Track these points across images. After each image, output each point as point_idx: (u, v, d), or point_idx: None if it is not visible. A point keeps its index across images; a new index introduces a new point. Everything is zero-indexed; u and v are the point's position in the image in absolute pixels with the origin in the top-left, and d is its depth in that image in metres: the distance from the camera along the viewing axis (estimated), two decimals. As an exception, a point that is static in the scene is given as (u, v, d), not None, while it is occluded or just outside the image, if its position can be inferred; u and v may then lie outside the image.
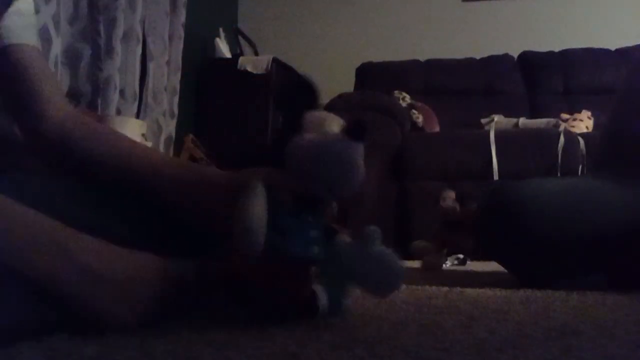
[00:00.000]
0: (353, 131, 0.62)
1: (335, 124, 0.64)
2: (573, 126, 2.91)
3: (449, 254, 1.83)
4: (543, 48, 3.47)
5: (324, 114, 0.66)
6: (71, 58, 2.38)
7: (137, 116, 2.73)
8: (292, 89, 0.68)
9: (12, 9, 0.78)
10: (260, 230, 0.57)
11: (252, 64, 3.35)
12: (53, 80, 0.83)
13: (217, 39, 3.50)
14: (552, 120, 2.98)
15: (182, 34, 3.14)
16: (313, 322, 0.63)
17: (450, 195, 1.67)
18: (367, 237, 0.65)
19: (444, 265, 2.05)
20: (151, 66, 2.92)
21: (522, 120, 3.04)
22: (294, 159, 0.63)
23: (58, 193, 0.66)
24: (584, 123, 2.97)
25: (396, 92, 3.15)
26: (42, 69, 0.80)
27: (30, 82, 0.78)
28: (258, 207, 0.58)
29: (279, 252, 0.60)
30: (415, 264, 2.10)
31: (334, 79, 3.62)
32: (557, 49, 3.45)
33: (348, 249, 0.65)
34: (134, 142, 0.81)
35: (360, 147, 0.62)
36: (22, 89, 0.78)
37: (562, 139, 2.58)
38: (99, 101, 2.46)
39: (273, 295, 0.61)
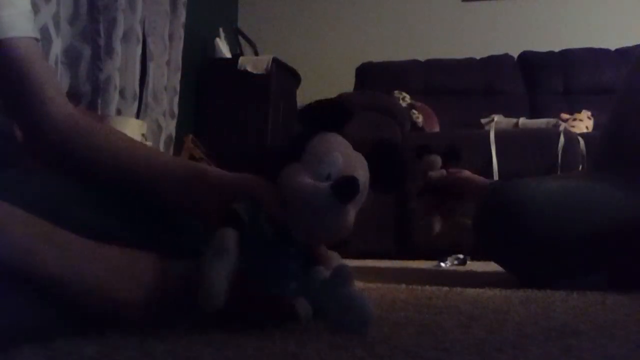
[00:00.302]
0: (342, 190, 0.58)
1: (339, 159, 0.61)
2: (573, 126, 2.91)
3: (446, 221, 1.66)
4: (543, 48, 3.47)
5: (330, 142, 0.62)
6: (71, 58, 2.38)
7: (137, 116, 2.73)
8: (322, 108, 0.64)
9: None
10: (220, 297, 0.56)
11: (252, 64, 3.35)
12: (52, 77, 0.82)
13: (217, 39, 3.50)
14: (552, 120, 2.98)
15: (182, 34, 3.14)
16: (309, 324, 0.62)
17: (436, 163, 1.55)
18: (338, 277, 0.62)
19: (443, 265, 2.05)
20: (151, 66, 2.92)
21: (522, 120, 3.04)
22: (282, 193, 0.62)
23: (58, 193, 0.66)
24: (584, 123, 2.97)
25: (396, 92, 3.15)
26: (41, 64, 0.78)
27: (30, 80, 0.76)
28: (220, 273, 0.57)
29: (254, 291, 0.60)
30: (416, 264, 2.10)
31: (334, 79, 3.62)
32: (557, 49, 3.45)
33: (319, 287, 0.63)
34: (134, 141, 0.80)
35: (347, 207, 0.59)
36: (22, 87, 0.76)
37: (562, 139, 2.58)
38: (99, 101, 2.46)
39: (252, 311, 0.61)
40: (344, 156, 0.62)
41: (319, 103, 0.65)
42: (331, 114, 0.64)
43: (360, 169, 0.63)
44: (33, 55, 0.77)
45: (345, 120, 0.64)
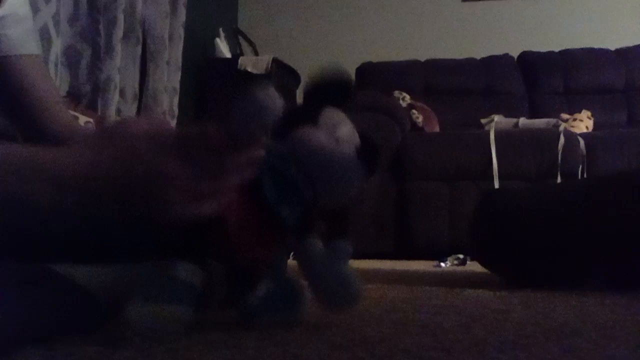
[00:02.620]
0: (367, 155, 0.62)
1: (347, 130, 0.63)
2: (573, 126, 2.91)
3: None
4: (543, 48, 3.47)
5: (340, 114, 0.65)
6: (71, 58, 2.38)
7: (137, 116, 2.73)
8: (327, 82, 0.66)
9: (8, 10, 0.78)
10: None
11: (252, 64, 3.35)
12: (52, 90, 0.86)
13: (217, 39, 3.50)
14: (552, 120, 2.98)
15: (182, 34, 3.14)
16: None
17: None
18: (336, 252, 0.64)
19: (443, 265, 2.05)
20: (151, 66, 2.92)
21: (522, 120, 3.04)
22: (298, 152, 0.62)
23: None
24: (584, 123, 2.97)
25: (396, 92, 3.15)
26: (42, 79, 0.83)
27: (31, 94, 0.81)
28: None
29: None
30: (416, 264, 2.10)
31: (334, 79, 3.62)
32: (557, 49, 3.45)
33: (315, 258, 0.64)
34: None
35: (365, 172, 0.62)
36: (24, 100, 0.81)
37: (562, 139, 2.58)
38: (99, 101, 2.46)
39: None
40: (351, 127, 0.65)
41: (327, 79, 0.66)
42: (339, 90, 0.66)
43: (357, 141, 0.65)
44: (36, 71, 0.82)
45: (349, 96, 0.66)
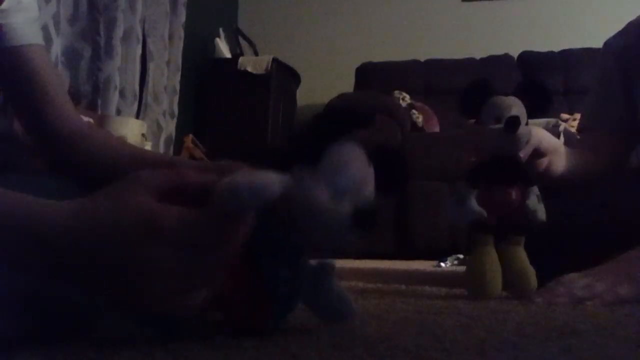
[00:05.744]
0: (363, 223, 0.56)
1: (356, 176, 0.58)
2: (573, 126, 2.91)
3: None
4: (543, 48, 3.47)
5: (349, 154, 0.59)
6: (71, 58, 2.38)
7: (137, 116, 2.73)
8: (343, 116, 0.62)
9: (11, 1, 0.78)
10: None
11: (252, 64, 3.35)
12: (58, 83, 0.84)
13: (217, 39, 3.50)
14: (552, 120, 2.98)
15: (182, 34, 3.14)
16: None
17: None
18: (322, 271, 0.63)
19: (443, 265, 2.05)
20: (151, 66, 2.92)
21: (522, 120, 3.04)
22: (292, 196, 0.56)
23: (58, 193, 0.66)
24: (584, 123, 2.97)
25: (396, 92, 3.15)
26: (48, 71, 0.81)
27: (37, 87, 0.79)
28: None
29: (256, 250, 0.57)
30: (416, 264, 2.10)
31: (334, 79, 3.62)
32: (557, 49, 3.45)
33: (310, 278, 0.63)
34: (133, 146, 0.82)
35: (360, 232, 0.57)
36: (29, 93, 0.79)
37: (562, 139, 2.58)
38: (99, 101, 2.47)
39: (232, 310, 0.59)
40: (360, 172, 0.59)
41: (344, 107, 0.63)
42: (356, 119, 0.62)
43: (370, 185, 0.60)
44: (41, 62, 0.80)
45: (367, 124, 0.62)
